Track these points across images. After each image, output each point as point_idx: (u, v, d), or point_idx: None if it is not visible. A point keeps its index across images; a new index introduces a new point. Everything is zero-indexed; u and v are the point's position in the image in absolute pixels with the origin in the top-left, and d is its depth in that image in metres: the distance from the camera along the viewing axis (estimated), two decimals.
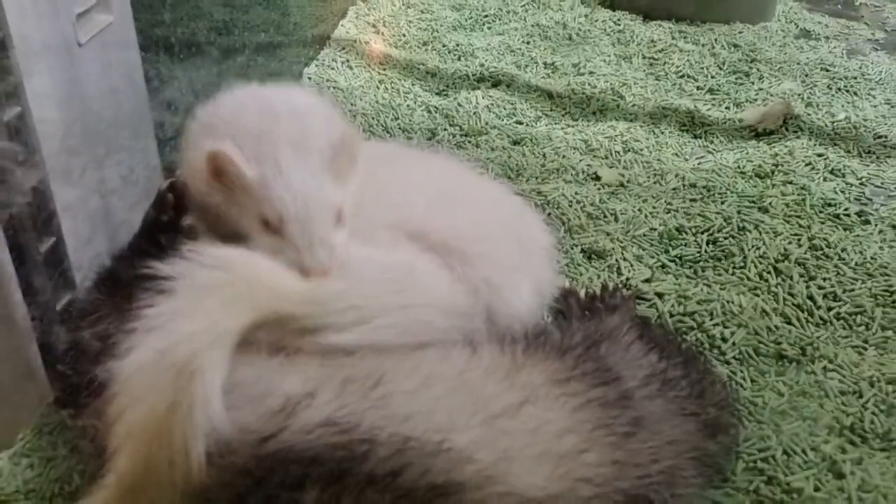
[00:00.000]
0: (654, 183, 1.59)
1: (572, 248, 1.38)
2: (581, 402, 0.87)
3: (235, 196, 0.93)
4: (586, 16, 2.31)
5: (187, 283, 0.82)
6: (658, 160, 1.68)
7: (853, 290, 1.31)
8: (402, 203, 1.05)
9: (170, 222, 1.00)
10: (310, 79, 1.87)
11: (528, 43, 2.17)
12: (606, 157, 1.69)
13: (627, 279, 1.32)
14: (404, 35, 2.15)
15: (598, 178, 1.61)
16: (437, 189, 1.12)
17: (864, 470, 1.01)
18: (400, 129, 1.72)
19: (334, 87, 1.83)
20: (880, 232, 1.48)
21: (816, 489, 0.98)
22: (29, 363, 0.97)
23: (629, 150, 1.72)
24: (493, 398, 0.84)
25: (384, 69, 1.96)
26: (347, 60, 1.97)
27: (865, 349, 1.22)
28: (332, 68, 1.92)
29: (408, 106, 1.80)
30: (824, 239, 1.42)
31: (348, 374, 0.85)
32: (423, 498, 0.76)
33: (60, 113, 0.99)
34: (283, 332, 0.90)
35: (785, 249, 1.38)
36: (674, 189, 1.58)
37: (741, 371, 1.17)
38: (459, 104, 1.82)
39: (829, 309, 1.28)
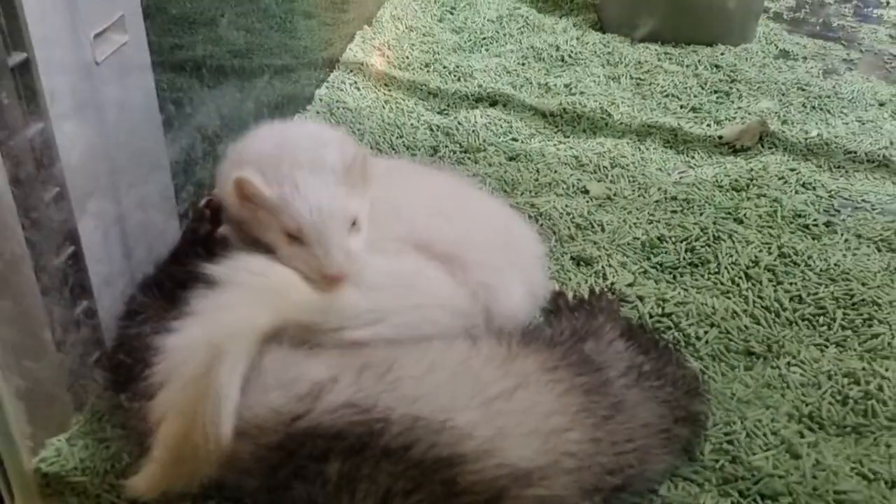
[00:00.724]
0: (639, 196, 1.73)
1: (562, 256, 1.52)
2: (567, 388, 1.01)
3: (261, 214, 1.08)
4: (578, 38, 2.45)
5: (233, 283, 0.97)
6: (642, 175, 1.82)
7: (817, 293, 1.44)
8: (409, 217, 1.19)
9: (207, 234, 1.14)
10: (321, 100, 2.01)
11: (523, 64, 2.31)
12: (595, 172, 1.83)
13: (612, 283, 1.45)
14: (408, 57, 2.29)
15: (586, 192, 1.74)
16: (439, 203, 1.26)
17: (819, 452, 1.14)
18: (405, 146, 1.86)
19: (343, 108, 1.97)
20: (845, 241, 1.61)
21: (775, 467, 1.11)
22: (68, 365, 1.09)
23: (616, 166, 1.85)
24: (491, 383, 0.98)
25: (389, 90, 2.10)
26: (356, 82, 2.11)
27: (826, 347, 1.35)
28: (342, 90, 2.06)
29: (411, 125, 1.94)
30: (793, 247, 1.55)
31: (365, 362, 0.99)
32: (430, 468, 0.90)
33: (79, 129, 1.06)
34: (306, 331, 1.05)
35: (756, 257, 1.52)
36: (656, 201, 1.71)
37: (713, 366, 1.30)
38: (459, 123, 1.96)
39: (795, 311, 1.41)
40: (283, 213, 1.06)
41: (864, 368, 1.28)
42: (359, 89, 2.08)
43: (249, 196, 1.07)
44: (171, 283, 1.10)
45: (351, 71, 2.16)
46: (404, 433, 0.91)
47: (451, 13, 2.64)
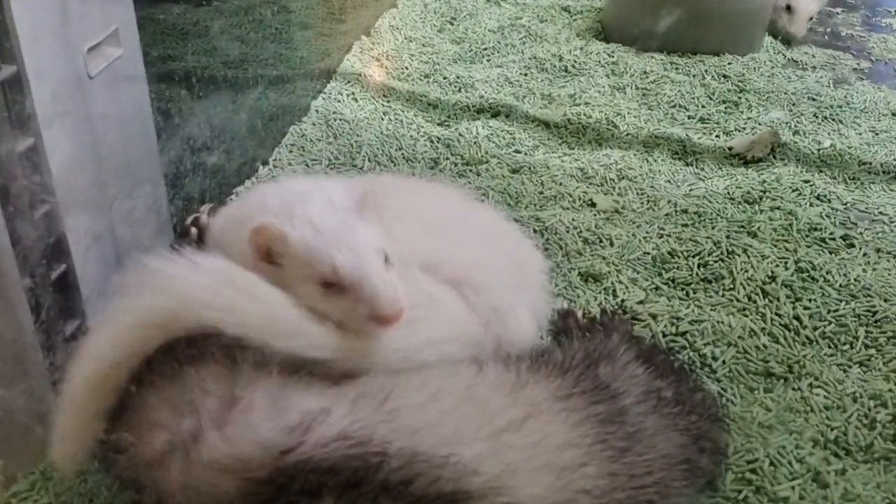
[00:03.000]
0: (648, 209, 1.66)
1: (570, 272, 1.45)
2: (581, 418, 0.93)
3: (287, 269, 0.95)
4: (581, 48, 2.39)
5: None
6: (651, 187, 1.75)
7: (838, 310, 1.37)
8: (412, 237, 1.10)
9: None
10: (317, 111, 1.94)
11: (525, 75, 2.25)
12: (602, 185, 1.76)
13: (623, 301, 1.38)
14: (407, 68, 2.23)
15: (593, 205, 1.68)
16: (443, 222, 1.18)
17: (847, 480, 1.07)
18: (404, 158, 1.79)
19: (341, 119, 1.91)
20: (864, 255, 1.55)
21: (801, 497, 1.04)
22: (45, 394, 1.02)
23: (623, 178, 1.79)
24: (498, 413, 0.90)
25: (388, 101, 2.04)
26: (353, 93, 2.05)
27: (850, 367, 1.28)
28: (339, 101, 2.00)
29: (411, 136, 1.88)
30: (810, 262, 1.48)
31: (360, 391, 0.91)
32: None
33: (71, 143, 1.03)
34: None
35: (772, 272, 1.45)
36: (666, 215, 1.64)
37: (731, 388, 1.23)
38: (461, 134, 1.90)
39: (815, 328, 1.34)
40: (312, 259, 0.94)
41: (890, 390, 1.21)
42: (356, 100, 2.02)
43: (271, 247, 0.95)
44: None
45: (348, 82, 2.10)
46: (404, 467, 0.83)
47: (452, 23, 2.58)
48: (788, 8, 2.43)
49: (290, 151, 1.77)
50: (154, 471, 0.90)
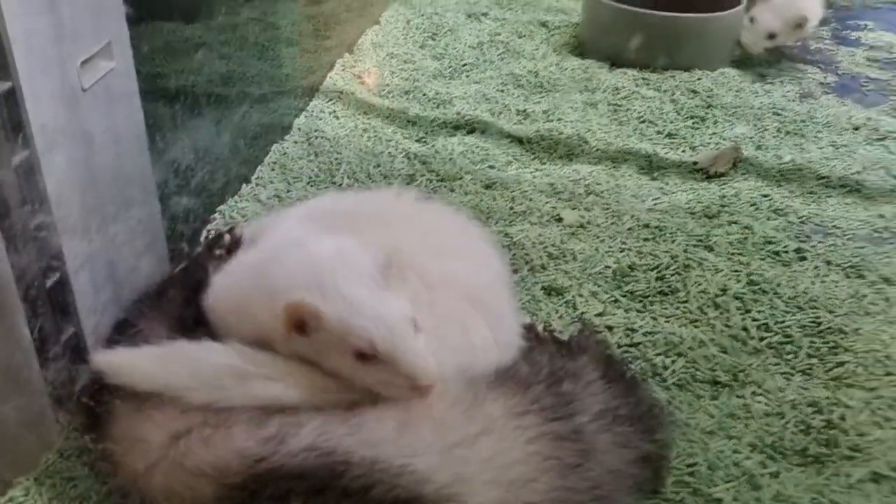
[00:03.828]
0: (612, 224, 1.75)
1: (534, 286, 1.54)
2: (535, 435, 1.01)
3: (320, 342, 1.00)
4: (557, 64, 2.48)
5: None
6: (616, 202, 1.84)
7: (784, 321, 1.46)
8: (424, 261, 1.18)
9: (220, 257, 1.17)
10: (299, 129, 2.03)
11: (502, 91, 2.34)
12: (570, 200, 1.85)
13: (582, 313, 1.47)
14: (388, 84, 2.32)
15: (560, 220, 1.76)
16: (445, 242, 1.26)
17: (780, 483, 1.16)
18: (381, 175, 1.88)
19: (322, 137, 1.99)
20: (815, 268, 1.64)
21: (735, 499, 1.13)
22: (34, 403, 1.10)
23: (591, 193, 1.88)
24: (454, 428, 0.99)
25: (368, 118, 2.12)
26: (335, 111, 2.13)
27: (792, 375, 1.37)
28: (320, 119, 2.09)
29: (389, 153, 1.97)
30: (761, 275, 1.57)
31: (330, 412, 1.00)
32: None
33: (65, 156, 1.07)
34: None
35: (724, 285, 1.54)
36: (629, 229, 1.73)
37: (679, 396, 1.32)
38: (437, 151, 1.99)
39: (762, 339, 1.43)
40: (346, 333, 0.98)
41: (827, 397, 1.30)
42: (337, 118, 2.10)
43: (305, 323, 0.99)
44: (175, 296, 1.13)
45: (330, 99, 2.19)
46: (364, 475, 0.92)
47: (433, 39, 2.67)
48: (752, 20, 2.51)
49: (273, 169, 1.86)
50: (139, 479, 0.99)
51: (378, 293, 1.01)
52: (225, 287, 1.10)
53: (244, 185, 1.79)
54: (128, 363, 1.02)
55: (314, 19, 2.44)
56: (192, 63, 1.77)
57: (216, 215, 1.67)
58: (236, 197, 1.75)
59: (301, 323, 0.99)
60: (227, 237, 1.19)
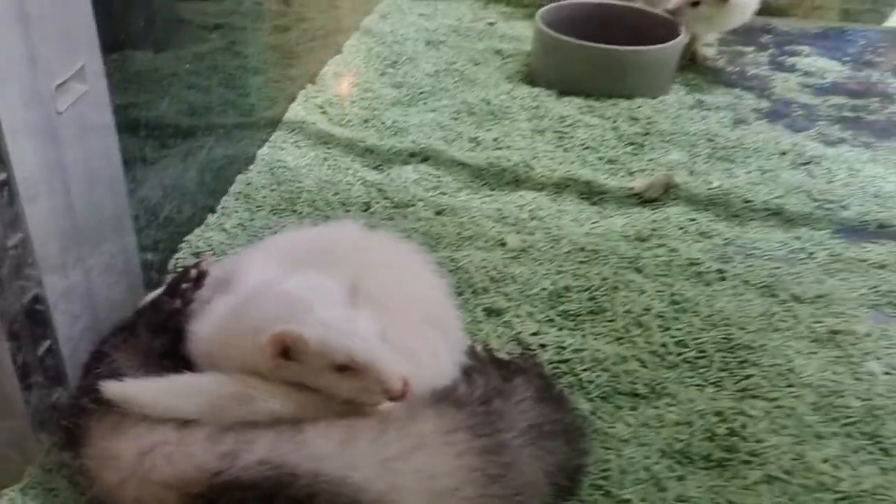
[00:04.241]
0: (551, 247, 1.90)
1: (475, 308, 1.68)
2: (462, 450, 1.15)
3: (304, 363, 1.14)
4: (508, 92, 2.63)
5: None
6: (557, 226, 1.99)
7: (699, 338, 1.62)
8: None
9: (187, 290, 1.30)
10: (263, 160, 2.16)
11: (456, 119, 2.49)
12: (514, 225, 2.00)
13: (518, 333, 1.62)
14: (347, 114, 2.46)
15: (504, 244, 1.91)
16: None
17: (684, 485, 1.31)
18: (340, 203, 2.02)
19: (284, 167, 2.13)
20: (733, 287, 1.80)
21: (642, 500, 1.28)
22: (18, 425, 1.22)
23: (534, 218, 2.03)
24: (390, 444, 1.13)
25: (329, 147, 2.26)
26: (297, 141, 2.27)
27: (704, 387, 1.52)
28: (282, 149, 2.22)
29: (347, 181, 2.11)
30: (683, 294, 1.73)
31: (281, 426, 1.14)
32: None
33: (41, 178, 1.13)
34: None
35: (648, 305, 1.69)
36: (566, 252, 1.88)
37: (602, 407, 1.47)
38: (392, 178, 2.13)
39: (679, 354, 1.59)
40: (329, 353, 1.12)
41: (732, 407, 1.45)
42: (299, 148, 2.24)
43: (290, 348, 1.12)
44: (144, 330, 1.26)
45: (293, 130, 2.32)
46: (309, 486, 1.07)
47: (393, 67, 2.81)
48: (695, 4, 2.67)
49: (237, 199, 1.99)
50: (113, 491, 1.13)
51: (350, 313, 1.16)
52: (209, 330, 1.23)
53: (210, 215, 1.92)
54: (139, 393, 1.15)
55: (279, 49, 2.57)
56: (160, 93, 1.87)
57: (183, 245, 1.80)
58: (202, 227, 1.88)
59: (286, 349, 1.13)
60: (192, 271, 1.32)
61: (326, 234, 1.48)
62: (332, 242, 1.45)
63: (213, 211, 1.94)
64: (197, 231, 1.85)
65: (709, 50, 3.05)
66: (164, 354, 1.22)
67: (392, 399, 1.14)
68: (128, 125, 1.62)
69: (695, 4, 2.67)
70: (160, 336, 1.25)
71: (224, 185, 2.02)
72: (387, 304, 1.29)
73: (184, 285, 1.30)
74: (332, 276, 1.24)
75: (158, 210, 1.71)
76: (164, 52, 1.94)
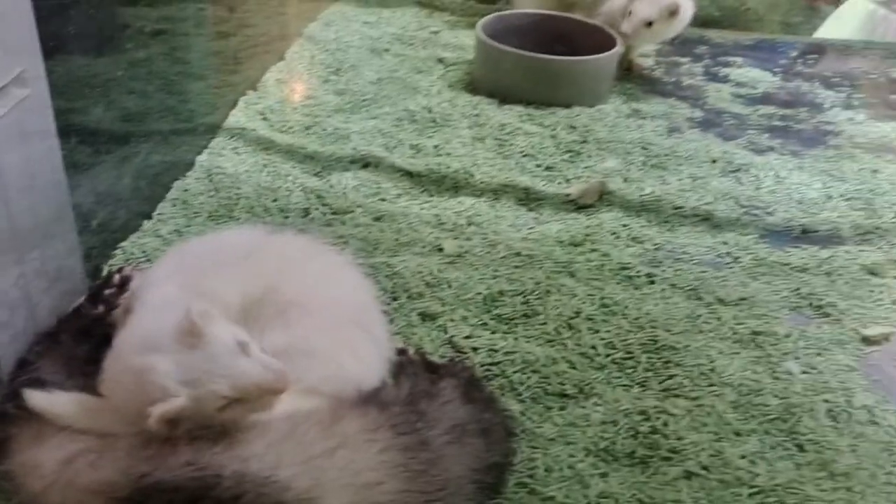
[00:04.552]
0: (487, 253, 1.94)
1: (410, 312, 1.71)
2: (385, 446, 1.18)
3: (195, 417, 1.12)
4: (450, 101, 2.67)
5: None
6: (494, 232, 2.04)
7: (627, 339, 1.67)
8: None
9: (110, 296, 1.30)
10: (201, 166, 2.16)
11: (397, 126, 2.52)
12: (452, 231, 2.03)
13: (452, 336, 1.65)
14: (289, 121, 2.47)
15: (441, 250, 1.94)
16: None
17: (606, 482, 1.36)
18: (278, 209, 2.03)
19: (222, 173, 2.13)
20: (661, 290, 1.86)
21: (566, 497, 1.32)
22: None
23: (472, 224, 2.06)
24: (314, 443, 1.15)
25: (269, 154, 2.27)
26: (236, 147, 2.27)
27: (630, 388, 1.57)
28: (222, 155, 2.22)
29: (286, 188, 2.12)
30: (612, 298, 1.78)
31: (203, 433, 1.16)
32: None
33: None
34: None
35: (579, 308, 1.74)
36: (503, 257, 1.92)
37: (532, 408, 1.51)
38: (331, 185, 2.15)
39: (607, 356, 1.63)
40: (203, 403, 1.11)
41: (655, 406, 1.50)
42: (239, 154, 2.24)
43: (172, 420, 1.10)
44: (68, 337, 1.26)
45: (232, 136, 2.32)
46: (234, 486, 1.08)
47: (336, 74, 2.83)
48: (630, 13, 2.74)
49: (174, 205, 1.99)
50: (38, 498, 1.13)
51: (198, 353, 1.12)
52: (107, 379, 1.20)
53: (146, 222, 1.91)
54: (61, 406, 1.15)
55: (221, 55, 2.57)
56: (98, 99, 1.86)
57: (118, 251, 1.79)
58: (138, 233, 1.87)
59: (172, 421, 1.11)
60: (116, 277, 1.33)
61: (240, 239, 1.48)
62: (246, 247, 1.43)
63: (149, 217, 1.93)
64: (132, 237, 1.85)
65: (645, 60, 3.14)
66: (88, 361, 1.21)
67: (278, 392, 1.15)
68: (65, 130, 1.62)
69: (649, 25, 2.75)
70: (83, 343, 1.25)
71: (161, 191, 2.02)
72: (306, 307, 1.31)
73: (107, 291, 1.30)
74: (239, 283, 1.27)
75: (91, 216, 1.70)
76: (105, 57, 1.94)
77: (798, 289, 1.89)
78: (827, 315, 1.82)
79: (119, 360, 1.15)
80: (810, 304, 1.85)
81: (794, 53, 3.50)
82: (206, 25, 2.49)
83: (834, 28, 3.97)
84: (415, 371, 1.49)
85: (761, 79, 3.15)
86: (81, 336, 1.25)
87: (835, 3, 3.76)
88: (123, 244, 1.81)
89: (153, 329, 1.14)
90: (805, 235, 2.14)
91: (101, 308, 1.28)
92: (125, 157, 1.93)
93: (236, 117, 2.44)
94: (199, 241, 1.54)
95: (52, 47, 1.58)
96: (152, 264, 1.56)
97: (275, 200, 2.06)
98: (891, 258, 2.03)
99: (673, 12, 2.75)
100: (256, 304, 1.30)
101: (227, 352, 1.13)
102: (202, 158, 2.20)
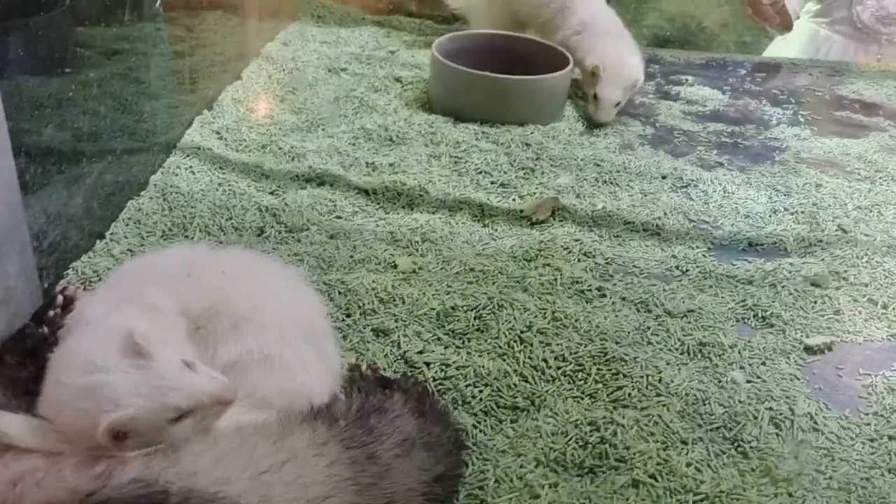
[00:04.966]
0: (441, 269, 1.97)
1: (364, 329, 1.73)
2: (333, 460, 1.19)
3: (144, 433, 1.14)
4: (406, 119, 2.70)
5: None
6: (449, 248, 2.06)
7: (577, 352, 1.70)
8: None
9: (55, 317, 1.29)
10: (155, 185, 2.16)
11: (353, 144, 2.54)
12: (407, 247, 2.05)
13: (405, 352, 1.67)
14: (245, 140, 2.48)
15: (395, 266, 1.96)
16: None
17: (556, 492, 1.38)
18: (233, 228, 2.04)
19: (177, 192, 2.13)
20: (612, 304, 1.89)
21: None
22: None
23: (426, 240, 2.09)
24: (262, 458, 1.16)
25: (224, 173, 2.28)
26: (191, 167, 2.27)
27: (581, 399, 1.60)
28: (176, 175, 2.22)
29: (242, 206, 2.12)
30: (564, 311, 1.81)
31: (154, 448, 1.16)
32: None
33: None
34: None
35: (531, 322, 1.77)
36: (456, 273, 1.95)
37: (484, 421, 1.53)
38: (287, 203, 2.16)
39: (558, 368, 1.66)
40: (157, 416, 1.13)
41: (604, 417, 1.53)
42: (193, 173, 2.24)
43: (121, 433, 1.12)
44: (11, 358, 1.25)
45: (187, 155, 2.32)
46: (182, 502, 1.08)
47: (293, 93, 2.85)
48: (595, 97, 2.80)
49: (127, 225, 1.98)
50: None
51: (146, 372, 1.14)
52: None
53: (98, 242, 1.90)
54: (5, 426, 1.14)
55: (178, 74, 2.57)
56: (52, 118, 1.85)
57: (69, 271, 1.78)
58: (90, 253, 1.86)
59: (119, 433, 1.12)
60: (59, 298, 1.32)
61: (184, 256, 1.49)
62: (188, 264, 1.44)
63: (102, 237, 1.93)
64: (85, 258, 1.83)
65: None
66: (33, 382, 1.21)
67: (228, 403, 1.18)
68: (16, 150, 1.63)
69: (594, 74, 2.80)
70: (28, 365, 1.24)
71: (115, 210, 2.01)
72: (256, 321, 1.33)
73: (51, 312, 1.30)
74: (183, 299, 1.29)
75: (43, 236, 1.69)
76: (59, 77, 1.94)
77: (744, 300, 1.94)
78: (771, 326, 1.87)
79: (61, 382, 1.15)
80: (755, 315, 1.90)
81: (743, 72, 3.60)
82: (163, 45, 2.49)
83: (781, 47, 4.09)
84: (366, 386, 1.51)
85: (711, 97, 3.23)
86: (26, 358, 1.24)
87: (785, 30, 3.88)
88: (76, 264, 1.80)
89: (95, 350, 1.15)
90: (751, 248, 2.20)
91: (45, 329, 1.28)
92: (78, 177, 1.92)
93: (192, 136, 2.44)
94: (142, 259, 1.55)
95: (4, 67, 1.59)
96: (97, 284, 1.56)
97: (229, 219, 2.07)
98: (833, 270, 2.09)
99: (633, 86, 2.86)
100: (206, 318, 1.31)
101: (174, 368, 1.15)
102: (156, 177, 2.20)
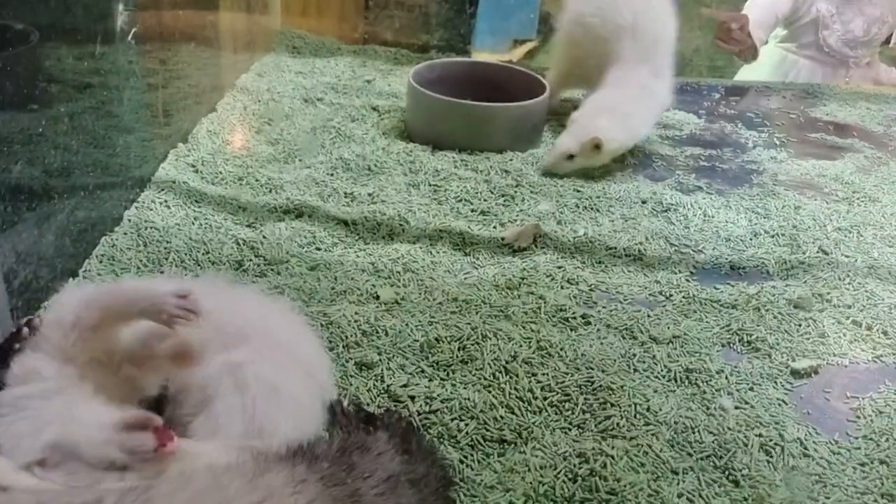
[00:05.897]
0: (424, 299, 1.94)
1: (347, 362, 1.69)
2: (312, 499, 1.16)
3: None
4: (384, 148, 2.69)
5: None
6: (431, 278, 2.03)
7: (564, 381, 1.68)
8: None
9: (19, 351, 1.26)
10: (129, 220, 2.11)
11: (331, 175, 2.52)
12: (388, 278, 2.02)
13: (388, 385, 1.63)
14: (221, 172, 2.44)
15: (377, 298, 1.93)
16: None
17: None
18: (210, 262, 2.00)
19: (152, 227, 2.09)
20: (597, 331, 1.87)
21: None
22: None
23: (408, 270, 2.06)
24: (237, 497, 1.12)
25: (200, 206, 2.24)
26: (166, 201, 2.23)
27: (569, 430, 1.57)
28: (151, 209, 2.18)
29: (219, 240, 2.08)
30: (549, 340, 1.79)
31: (132, 484, 1.12)
32: None
33: None
34: None
35: (516, 352, 1.74)
36: (439, 303, 1.92)
37: (471, 455, 1.49)
38: (265, 236, 2.12)
39: (545, 398, 1.63)
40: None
41: (593, 448, 1.51)
42: (169, 207, 2.20)
43: None
44: None
45: (162, 190, 2.28)
46: None
47: (269, 124, 2.83)
48: (571, 157, 2.62)
49: (101, 262, 1.93)
50: None
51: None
52: None
53: (71, 280, 1.86)
54: None
55: (151, 107, 2.54)
56: (21, 154, 1.81)
57: (41, 310, 1.73)
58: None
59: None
60: (25, 330, 1.28)
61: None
62: None
63: (75, 275, 1.88)
64: (56, 296, 1.78)
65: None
66: None
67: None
68: None
69: (570, 157, 2.61)
70: None
71: (87, 247, 1.96)
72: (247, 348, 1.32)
73: (17, 345, 1.26)
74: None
75: (12, 276, 1.65)
76: (28, 112, 1.90)
77: (728, 325, 1.93)
78: (757, 350, 1.85)
79: None
80: (741, 340, 1.89)
81: (717, 96, 3.64)
82: (135, 78, 2.46)
83: (751, 72, 4.14)
84: (348, 423, 1.47)
85: (687, 121, 3.25)
86: None
87: (752, 59, 3.94)
88: (48, 303, 1.75)
89: None
90: (734, 272, 2.19)
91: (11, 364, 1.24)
92: (49, 214, 1.88)
93: (166, 170, 2.40)
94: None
95: None
96: None
97: (206, 253, 2.03)
98: (816, 292, 2.09)
99: (597, 146, 2.58)
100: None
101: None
102: (130, 213, 2.15)
